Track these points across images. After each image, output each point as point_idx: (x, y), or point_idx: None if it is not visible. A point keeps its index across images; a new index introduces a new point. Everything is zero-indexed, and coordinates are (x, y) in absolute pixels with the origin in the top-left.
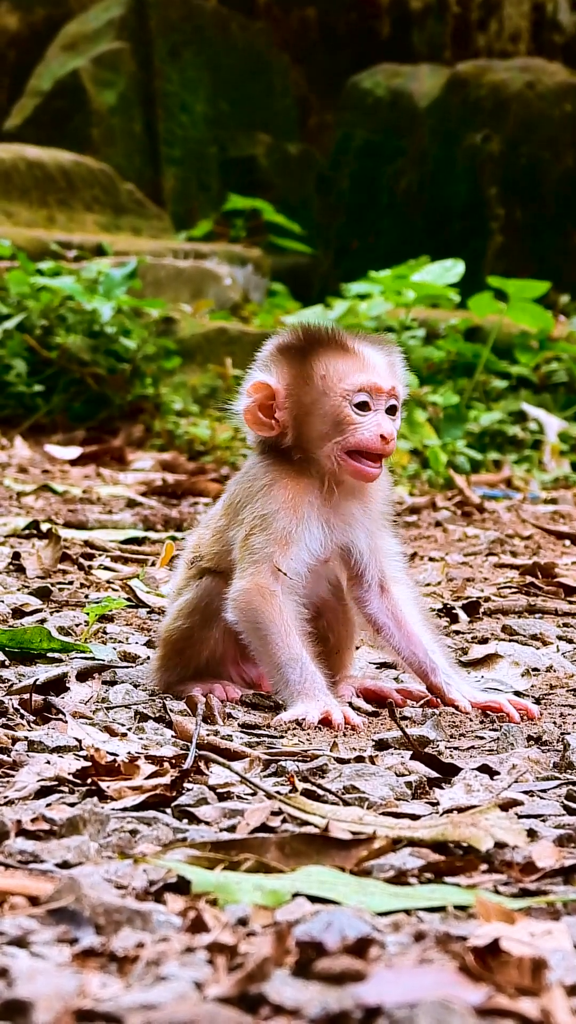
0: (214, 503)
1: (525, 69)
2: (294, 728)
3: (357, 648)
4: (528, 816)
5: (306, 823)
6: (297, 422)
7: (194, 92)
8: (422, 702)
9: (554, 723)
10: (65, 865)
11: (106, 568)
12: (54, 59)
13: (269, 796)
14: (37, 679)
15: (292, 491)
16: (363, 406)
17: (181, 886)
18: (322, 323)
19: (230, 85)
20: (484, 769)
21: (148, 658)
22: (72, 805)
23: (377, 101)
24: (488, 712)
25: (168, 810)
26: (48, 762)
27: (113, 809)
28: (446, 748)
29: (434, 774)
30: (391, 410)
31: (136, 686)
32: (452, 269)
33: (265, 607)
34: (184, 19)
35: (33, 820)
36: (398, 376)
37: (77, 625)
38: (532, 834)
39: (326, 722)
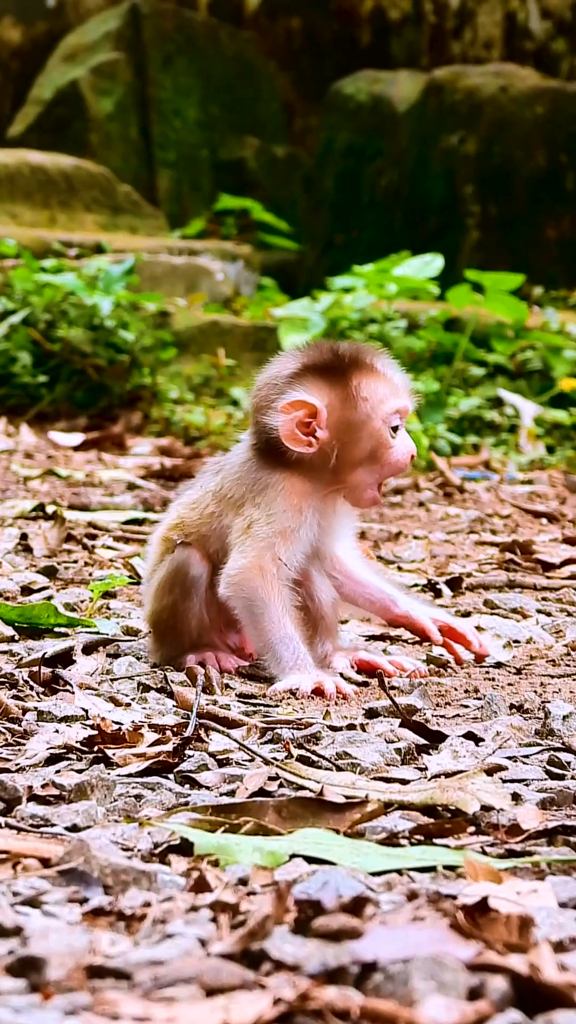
0: None
1: (498, 74)
2: (288, 698)
3: (344, 623)
4: (512, 780)
5: (302, 787)
6: (340, 443)
7: (186, 98)
8: (410, 673)
9: (535, 692)
10: (74, 828)
11: (109, 548)
12: (54, 69)
13: (266, 762)
14: (45, 653)
15: (298, 494)
16: (396, 429)
17: (184, 848)
18: (349, 343)
19: (220, 91)
20: (469, 736)
21: (149, 632)
22: (80, 772)
23: (359, 106)
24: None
25: (171, 776)
26: (57, 731)
27: (119, 775)
28: (433, 716)
29: (422, 741)
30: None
31: (138, 659)
32: (432, 263)
33: (264, 586)
34: (176, 30)
35: (43, 786)
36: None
37: (82, 601)
38: (516, 798)
39: (319, 692)
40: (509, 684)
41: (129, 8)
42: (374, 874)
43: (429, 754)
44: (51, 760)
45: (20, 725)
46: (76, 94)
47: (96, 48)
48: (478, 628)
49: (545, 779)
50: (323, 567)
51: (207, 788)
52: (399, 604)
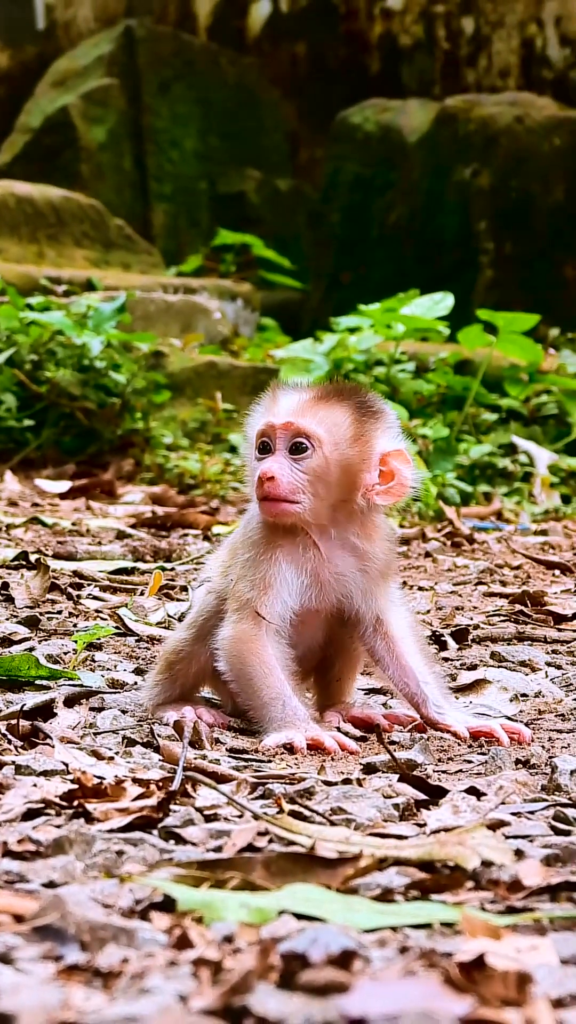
0: (204, 535)
1: (514, 103)
2: (282, 753)
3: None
4: (515, 836)
5: (292, 843)
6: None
7: (184, 127)
8: (410, 727)
9: (542, 747)
10: (51, 885)
11: (95, 597)
12: (44, 96)
13: (256, 817)
14: (25, 705)
15: (275, 541)
16: (263, 449)
17: (167, 904)
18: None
19: (220, 120)
20: (472, 791)
21: (136, 684)
22: (58, 827)
23: (367, 136)
24: (478, 737)
25: (155, 831)
26: (35, 785)
27: (99, 830)
28: (434, 771)
29: (422, 796)
30: (297, 449)
31: (124, 712)
32: (442, 302)
33: (246, 653)
34: (174, 54)
35: (19, 841)
36: (310, 412)
37: (65, 653)
38: (519, 853)
39: (317, 747)
40: (515, 739)
41: (123, 31)
42: (367, 931)
43: (429, 810)
44: (28, 815)
45: None
46: (66, 122)
47: (88, 73)
48: (484, 681)
49: (550, 835)
50: (365, 634)
51: (192, 844)
52: (428, 705)
